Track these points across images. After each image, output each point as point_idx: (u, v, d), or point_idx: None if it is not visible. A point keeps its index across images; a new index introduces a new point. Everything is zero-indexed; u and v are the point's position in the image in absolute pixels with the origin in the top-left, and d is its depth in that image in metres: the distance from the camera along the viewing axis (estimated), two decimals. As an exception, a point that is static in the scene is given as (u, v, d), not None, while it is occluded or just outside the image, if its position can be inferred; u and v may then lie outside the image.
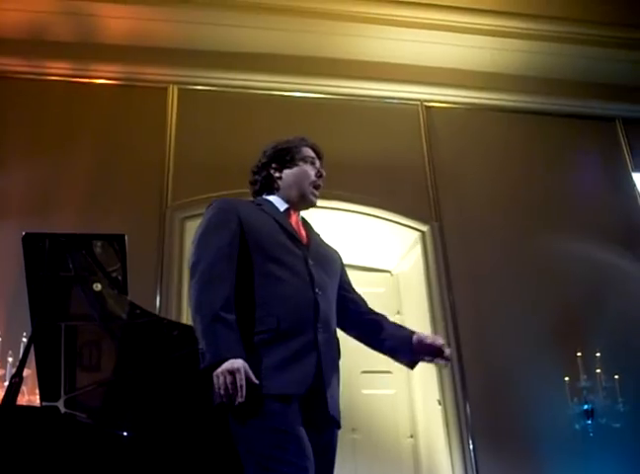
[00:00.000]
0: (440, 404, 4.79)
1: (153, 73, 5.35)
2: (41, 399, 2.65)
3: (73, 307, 2.71)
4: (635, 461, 4.58)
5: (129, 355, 2.71)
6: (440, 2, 5.58)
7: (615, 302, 5.16)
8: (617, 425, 4.60)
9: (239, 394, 1.85)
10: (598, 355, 4.73)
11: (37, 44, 5.17)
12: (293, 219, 2.32)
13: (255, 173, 2.44)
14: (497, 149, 5.69)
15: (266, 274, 2.11)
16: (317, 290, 2.15)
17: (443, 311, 5.00)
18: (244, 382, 1.85)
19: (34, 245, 2.55)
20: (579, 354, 4.70)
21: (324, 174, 2.40)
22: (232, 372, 1.85)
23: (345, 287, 2.41)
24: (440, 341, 2.30)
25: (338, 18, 5.43)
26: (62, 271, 2.58)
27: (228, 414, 1.97)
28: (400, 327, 2.41)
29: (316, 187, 2.38)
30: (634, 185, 5.83)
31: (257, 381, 1.89)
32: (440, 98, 5.81)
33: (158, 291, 4.62)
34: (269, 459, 1.86)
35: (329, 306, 2.21)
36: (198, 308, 1.98)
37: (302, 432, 1.94)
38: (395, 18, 5.51)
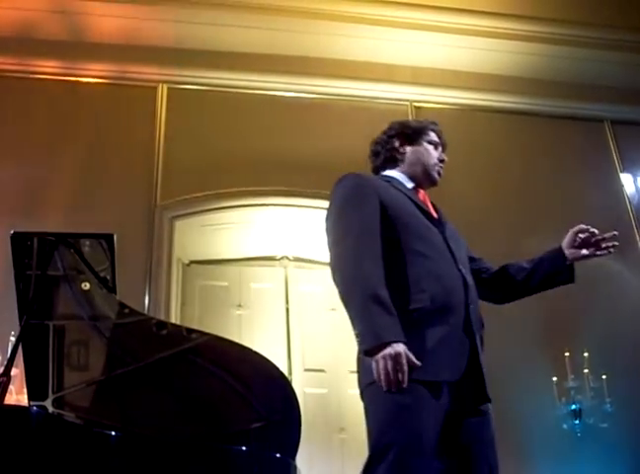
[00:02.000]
0: (428, 403, 4.80)
1: (143, 72, 5.34)
2: (29, 398, 2.64)
3: (61, 306, 2.69)
4: (622, 461, 4.59)
5: (118, 355, 2.70)
6: (430, 2, 5.59)
7: (603, 302, 5.18)
8: (605, 425, 4.62)
9: (401, 381, 1.75)
10: (585, 355, 4.75)
11: (26, 42, 5.15)
12: (421, 196, 2.28)
13: (378, 144, 2.44)
14: (486, 150, 5.70)
15: (412, 251, 2.03)
16: (461, 267, 2.10)
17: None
18: (406, 369, 1.76)
19: (22, 244, 2.54)
20: (567, 354, 4.71)
21: (446, 159, 2.37)
22: (395, 358, 1.74)
23: (470, 257, 2.34)
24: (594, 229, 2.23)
25: (327, 17, 5.43)
26: (51, 270, 2.56)
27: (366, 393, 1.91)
28: (532, 259, 2.35)
29: (439, 170, 2.34)
30: (622, 185, 5.86)
31: (419, 364, 1.79)
32: (429, 98, 5.81)
33: (147, 291, 4.62)
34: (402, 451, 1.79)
35: (473, 283, 2.15)
36: (351, 284, 1.87)
37: (433, 436, 1.87)
38: (384, 18, 5.52)
